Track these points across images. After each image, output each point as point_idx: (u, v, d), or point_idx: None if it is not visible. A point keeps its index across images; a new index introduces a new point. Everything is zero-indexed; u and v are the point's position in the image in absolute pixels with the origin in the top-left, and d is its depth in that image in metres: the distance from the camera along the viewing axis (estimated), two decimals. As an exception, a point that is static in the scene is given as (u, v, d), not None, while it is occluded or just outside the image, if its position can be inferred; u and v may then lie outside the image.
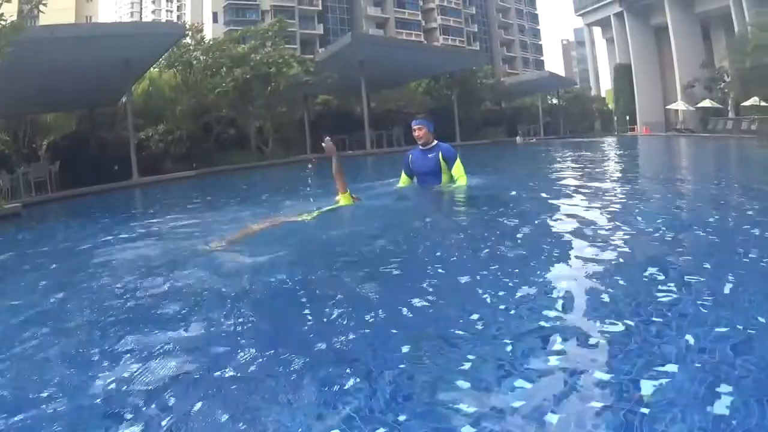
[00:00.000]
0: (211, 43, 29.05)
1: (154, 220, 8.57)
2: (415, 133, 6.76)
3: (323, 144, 6.07)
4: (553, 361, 2.18)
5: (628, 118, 51.59)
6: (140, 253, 5.17)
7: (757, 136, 26.93)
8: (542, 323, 2.54)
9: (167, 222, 7.88)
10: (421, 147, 6.81)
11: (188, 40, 27.59)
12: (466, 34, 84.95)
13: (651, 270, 3.31)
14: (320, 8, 72.57)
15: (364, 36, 48.00)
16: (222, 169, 23.14)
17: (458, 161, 6.70)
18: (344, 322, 2.77)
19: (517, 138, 40.03)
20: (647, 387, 1.89)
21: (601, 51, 69.66)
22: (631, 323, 2.47)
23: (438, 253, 4.26)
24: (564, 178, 11.02)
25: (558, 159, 18.01)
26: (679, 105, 43.50)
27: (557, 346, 2.30)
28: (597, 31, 65.90)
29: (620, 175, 12.43)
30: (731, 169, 14.90)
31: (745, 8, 37.85)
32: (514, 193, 7.95)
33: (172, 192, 16.36)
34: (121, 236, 6.66)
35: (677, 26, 47.26)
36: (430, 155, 6.72)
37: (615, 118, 56.20)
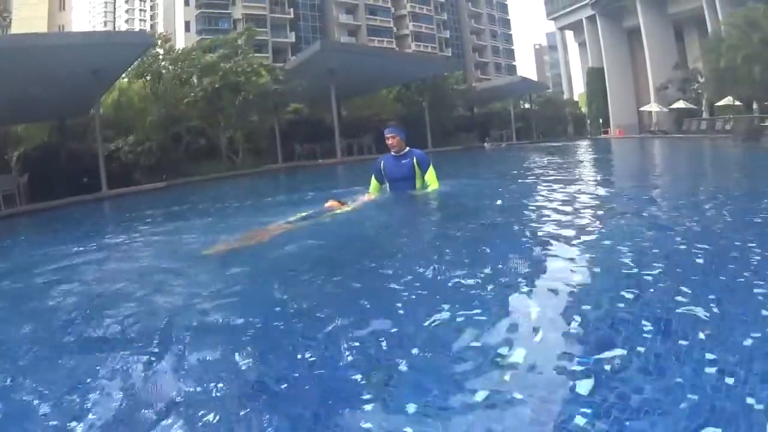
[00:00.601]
0: (179, 52, 28.69)
1: (122, 236, 8.27)
2: (389, 141, 6.89)
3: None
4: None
5: (601, 121, 52.12)
6: (106, 271, 5.06)
7: (732, 135, 27.24)
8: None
9: (137, 237, 7.67)
10: (393, 153, 6.92)
11: (158, 49, 27.18)
12: (438, 40, 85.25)
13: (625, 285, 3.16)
14: (292, 16, 72.24)
15: (334, 44, 47.59)
16: (192, 180, 22.79)
17: (431, 167, 6.86)
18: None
19: (486, 144, 40.03)
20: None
21: (573, 55, 70.58)
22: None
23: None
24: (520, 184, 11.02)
25: (517, 164, 18.07)
26: (653, 107, 44.03)
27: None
28: (569, 34, 66.72)
29: (590, 178, 12.45)
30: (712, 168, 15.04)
31: (718, 8, 38.39)
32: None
33: (141, 204, 15.97)
34: (87, 253, 6.40)
35: (650, 28, 47.92)
36: (403, 161, 6.85)
37: (588, 122, 56.73)
